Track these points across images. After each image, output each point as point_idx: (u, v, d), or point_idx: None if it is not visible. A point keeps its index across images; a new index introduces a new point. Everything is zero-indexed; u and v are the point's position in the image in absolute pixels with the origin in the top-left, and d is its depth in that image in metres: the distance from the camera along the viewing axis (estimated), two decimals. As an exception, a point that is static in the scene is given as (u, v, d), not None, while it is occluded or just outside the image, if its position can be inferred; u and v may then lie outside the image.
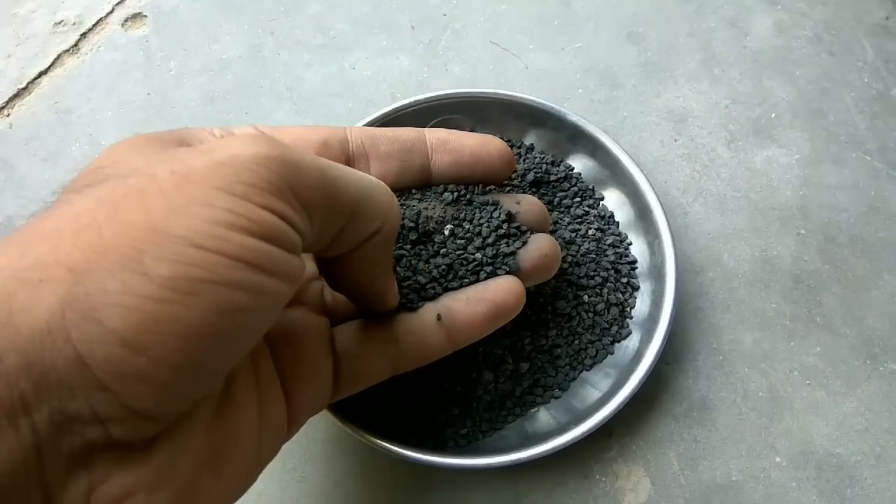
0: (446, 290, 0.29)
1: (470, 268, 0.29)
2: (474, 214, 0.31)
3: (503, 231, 0.30)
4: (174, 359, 0.17)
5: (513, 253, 0.30)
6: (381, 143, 0.30)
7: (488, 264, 0.29)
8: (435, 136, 0.31)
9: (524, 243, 0.30)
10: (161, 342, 0.17)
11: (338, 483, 0.36)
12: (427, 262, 0.29)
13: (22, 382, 0.15)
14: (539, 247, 0.30)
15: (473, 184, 0.32)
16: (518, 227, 0.31)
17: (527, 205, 0.32)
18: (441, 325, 0.28)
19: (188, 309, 0.17)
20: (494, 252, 0.29)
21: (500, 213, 0.30)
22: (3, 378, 0.15)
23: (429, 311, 0.28)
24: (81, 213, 0.18)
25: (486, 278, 0.29)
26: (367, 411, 0.33)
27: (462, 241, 0.30)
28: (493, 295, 0.28)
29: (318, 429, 0.37)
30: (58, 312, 0.16)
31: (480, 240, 0.30)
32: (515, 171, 0.39)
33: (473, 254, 0.29)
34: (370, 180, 0.23)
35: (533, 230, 0.31)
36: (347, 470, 0.36)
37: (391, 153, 0.31)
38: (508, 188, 0.38)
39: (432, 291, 0.29)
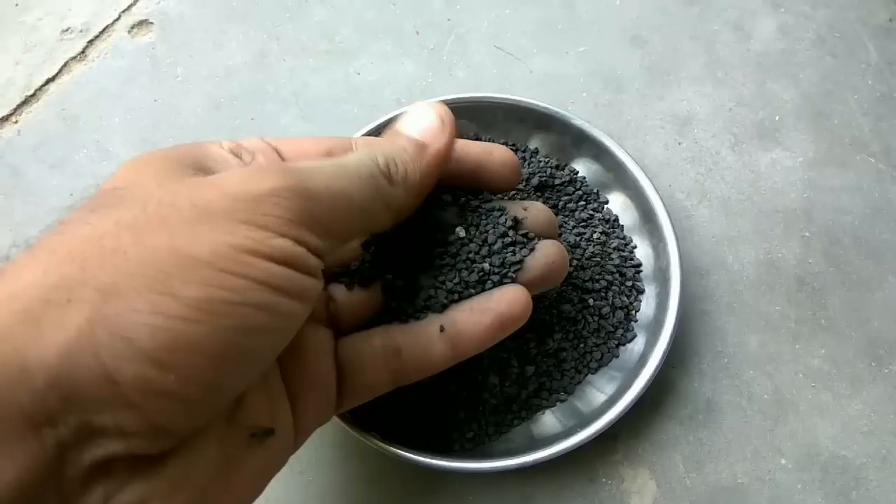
0: (452, 301, 0.28)
1: (477, 278, 0.29)
2: (480, 220, 0.30)
3: (509, 238, 0.30)
4: (200, 376, 0.18)
5: (520, 261, 0.29)
6: None
7: (495, 273, 0.29)
8: None
9: (531, 251, 0.30)
10: (189, 360, 0.17)
11: (345, 487, 0.36)
12: (435, 273, 0.29)
13: (50, 397, 0.16)
14: (546, 254, 0.30)
15: (479, 192, 0.32)
16: (525, 235, 0.30)
17: (534, 210, 0.32)
18: (444, 337, 0.28)
19: (214, 329, 0.18)
20: (501, 260, 0.29)
21: (506, 220, 0.30)
22: (32, 393, 0.16)
23: (432, 322, 0.28)
24: (104, 237, 0.18)
25: (492, 287, 0.29)
26: (373, 415, 0.33)
27: (470, 250, 0.29)
28: (498, 305, 0.28)
29: (326, 433, 0.37)
30: (87, 331, 0.16)
31: (487, 247, 0.29)
32: (522, 181, 0.39)
33: (481, 263, 0.29)
34: (370, 175, 0.24)
35: (540, 236, 0.31)
36: (354, 474, 0.36)
37: None
38: (514, 193, 0.38)
39: (438, 303, 0.28)
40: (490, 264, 0.29)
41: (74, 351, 0.16)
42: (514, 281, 0.29)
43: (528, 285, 0.29)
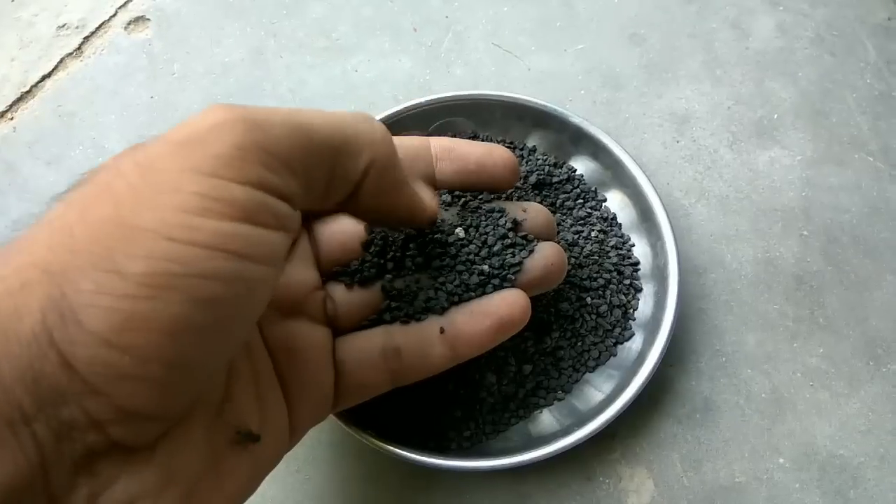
0: (453, 303, 0.28)
1: (477, 280, 0.29)
2: (480, 221, 0.30)
3: (509, 240, 0.30)
4: (160, 355, 0.17)
5: (519, 263, 0.29)
6: None
7: (495, 276, 0.29)
8: (440, 144, 0.31)
9: (530, 252, 0.30)
10: (143, 340, 0.16)
11: (341, 485, 0.36)
12: (435, 274, 0.29)
13: (18, 391, 0.15)
14: (545, 255, 0.30)
15: (478, 191, 0.32)
16: (524, 236, 0.30)
17: (533, 212, 0.32)
18: (444, 339, 0.28)
19: (166, 304, 0.16)
20: (501, 262, 0.29)
21: (506, 221, 0.30)
22: (3, 391, 0.15)
23: (432, 323, 0.28)
24: (54, 217, 0.18)
25: (492, 291, 0.29)
26: (370, 414, 0.33)
27: (470, 252, 0.29)
28: (498, 309, 0.28)
29: (323, 431, 0.37)
30: (39, 318, 0.16)
31: (487, 249, 0.29)
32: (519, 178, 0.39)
33: (480, 265, 0.29)
34: (346, 113, 0.22)
35: (539, 238, 0.31)
36: (351, 472, 0.36)
37: None
38: (512, 192, 0.38)
39: (439, 305, 0.28)
40: (490, 266, 0.29)
41: (31, 339, 0.15)
42: (513, 283, 0.29)
43: (526, 287, 0.29)
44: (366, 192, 0.22)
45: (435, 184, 0.31)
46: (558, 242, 0.37)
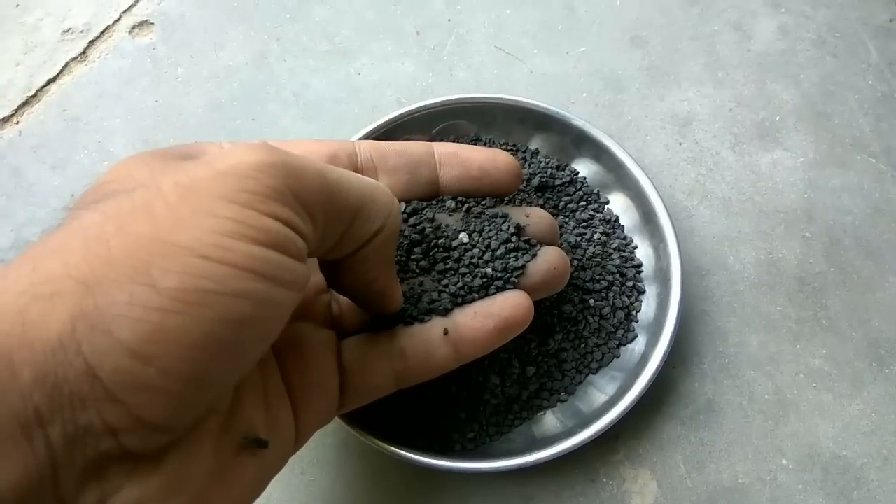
0: (456, 305, 0.29)
1: (480, 283, 0.29)
2: (484, 226, 0.31)
3: (512, 244, 0.30)
4: (182, 369, 0.17)
5: (522, 267, 0.30)
6: (389, 157, 0.30)
7: (498, 279, 0.29)
8: (443, 150, 0.31)
9: (534, 256, 0.30)
10: (169, 353, 0.17)
11: (346, 487, 0.36)
12: (439, 277, 0.29)
13: (36, 396, 0.16)
14: (548, 259, 0.30)
15: (481, 197, 0.32)
16: (528, 241, 0.31)
17: (536, 217, 0.32)
18: (448, 340, 0.28)
19: (195, 320, 0.17)
20: (504, 265, 0.29)
21: (509, 226, 0.30)
22: (18, 391, 0.15)
23: (436, 324, 0.28)
24: (89, 227, 0.18)
25: (495, 293, 0.29)
26: (375, 416, 0.33)
27: (474, 255, 0.30)
28: (501, 310, 0.28)
29: (327, 433, 0.37)
30: (69, 325, 0.16)
31: (490, 253, 0.30)
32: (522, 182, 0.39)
33: (484, 268, 0.29)
34: (370, 181, 0.23)
35: (542, 242, 0.31)
36: (356, 474, 0.36)
37: (400, 166, 0.31)
38: (515, 195, 0.38)
39: (442, 307, 0.28)
40: (493, 269, 0.29)
41: (57, 347, 0.16)
42: (516, 286, 0.29)
43: (529, 290, 0.29)
44: (364, 257, 0.24)
45: (439, 189, 0.32)
46: (561, 246, 0.37)
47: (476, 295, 0.29)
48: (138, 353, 0.16)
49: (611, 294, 0.38)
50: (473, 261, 0.30)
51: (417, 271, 0.29)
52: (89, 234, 0.18)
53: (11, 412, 0.15)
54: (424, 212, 0.31)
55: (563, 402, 0.36)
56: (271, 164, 0.19)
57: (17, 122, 0.47)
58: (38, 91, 0.49)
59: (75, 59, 0.50)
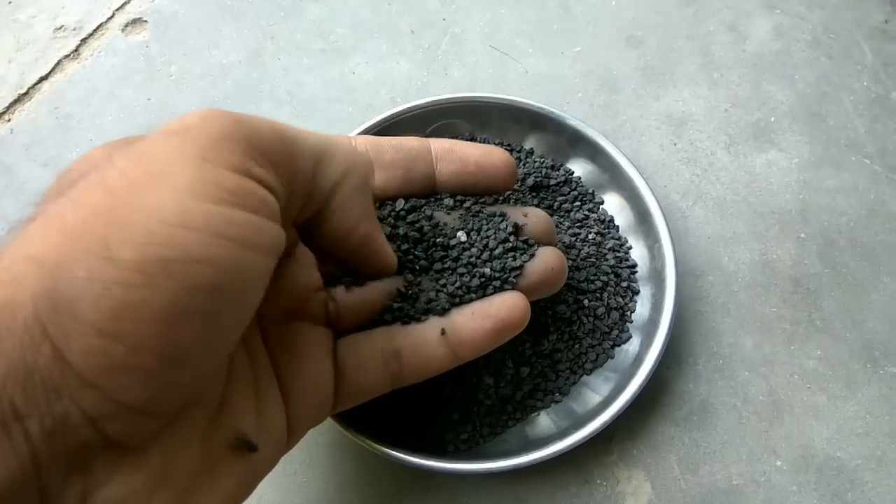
0: (453, 305, 0.28)
1: (478, 282, 0.29)
2: (482, 225, 0.31)
3: (510, 244, 0.30)
4: (153, 345, 0.16)
5: (520, 267, 0.29)
6: (385, 152, 0.30)
7: (496, 279, 0.29)
8: (439, 146, 0.31)
9: (531, 256, 0.30)
10: (137, 329, 0.16)
11: (339, 488, 0.36)
12: (437, 276, 0.29)
13: (10, 387, 0.15)
14: (546, 260, 0.30)
15: (477, 194, 0.32)
16: (525, 241, 0.30)
17: (534, 217, 0.32)
18: (445, 340, 0.28)
19: (160, 291, 0.16)
20: (502, 265, 0.29)
21: (507, 225, 0.30)
22: None
23: (433, 325, 0.28)
24: (48, 209, 0.17)
25: (493, 293, 0.29)
26: (368, 416, 0.33)
27: (472, 255, 0.30)
28: (499, 311, 0.28)
29: (320, 433, 0.37)
30: (31, 308, 0.15)
31: (488, 252, 0.30)
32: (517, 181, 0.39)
33: (482, 267, 0.29)
34: (325, 134, 0.23)
35: (540, 243, 0.31)
36: (348, 475, 0.36)
37: (396, 162, 0.30)
38: (510, 194, 0.38)
39: (440, 307, 0.28)
40: (491, 269, 0.29)
41: (24, 332, 0.15)
42: (514, 286, 0.29)
43: (527, 291, 0.29)
44: (337, 204, 0.23)
45: (435, 185, 0.31)
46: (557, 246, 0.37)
47: (474, 295, 0.29)
48: (104, 330, 0.16)
49: (605, 294, 0.38)
50: (471, 260, 0.29)
51: (415, 270, 0.29)
52: (46, 216, 0.17)
53: None
54: (423, 209, 0.31)
55: (557, 402, 0.36)
56: (219, 114, 0.18)
57: (9, 120, 0.47)
58: (29, 89, 0.48)
59: (68, 56, 0.50)
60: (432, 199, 0.32)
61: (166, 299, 0.16)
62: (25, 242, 0.16)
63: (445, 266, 0.29)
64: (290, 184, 0.20)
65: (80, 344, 0.16)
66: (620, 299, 0.38)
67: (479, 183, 0.32)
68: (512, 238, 0.30)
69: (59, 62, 0.49)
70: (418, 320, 0.28)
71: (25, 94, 0.48)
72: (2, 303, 0.15)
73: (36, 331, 0.15)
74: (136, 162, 0.17)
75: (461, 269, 0.29)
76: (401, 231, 0.29)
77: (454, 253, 0.30)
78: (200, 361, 0.18)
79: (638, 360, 0.35)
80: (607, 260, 0.39)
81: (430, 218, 0.30)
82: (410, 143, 0.31)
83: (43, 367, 0.15)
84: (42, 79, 0.49)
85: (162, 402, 0.18)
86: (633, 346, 0.37)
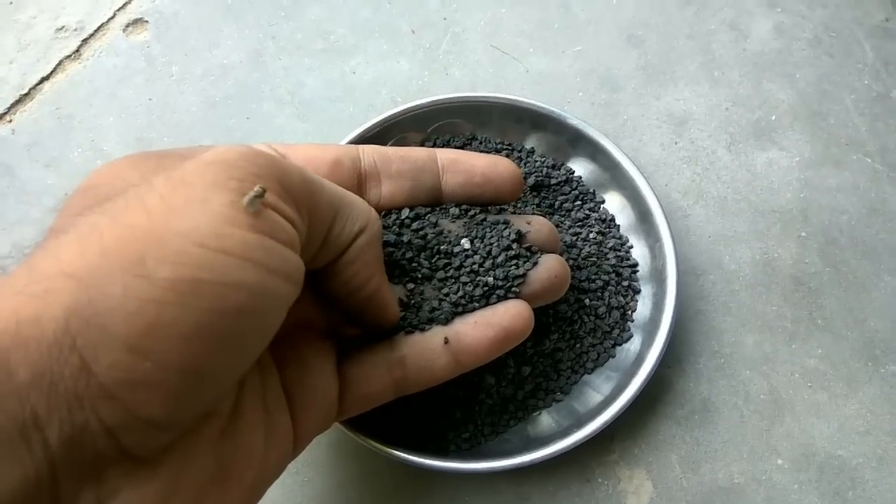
0: (457, 314, 0.29)
1: (482, 291, 0.29)
2: (485, 232, 0.31)
3: (513, 251, 0.30)
4: (178, 363, 0.17)
5: (523, 275, 0.29)
6: (392, 163, 0.30)
7: (500, 287, 0.29)
8: (446, 157, 0.31)
9: (534, 264, 0.30)
10: (165, 346, 0.16)
11: (341, 487, 0.36)
12: (440, 285, 0.29)
13: (33, 396, 0.15)
14: (549, 267, 0.30)
15: (483, 204, 0.32)
16: (528, 248, 0.30)
17: (537, 225, 0.32)
18: (448, 349, 0.28)
19: (191, 311, 0.17)
20: (505, 274, 0.29)
21: (510, 233, 0.30)
22: (15, 393, 0.15)
23: (436, 333, 0.28)
24: (81, 224, 0.18)
25: (496, 301, 0.29)
26: (370, 416, 0.33)
27: (475, 262, 0.30)
28: (502, 319, 0.28)
29: (322, 433, 0.37)
30: (62, 322, 0.16)
31: (491, 260, 0.30)
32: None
33: (485, 276, 0.29)
34: (340, 188, 0.24)
35: (543, 250, 0.31)
36: (350, 474, 0.36)
37: (403, 172, 0.30)
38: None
39: (443, 316, 0.28)
40: (494, 278, 0.29)
41: (53, 344, 0.16)
42: (517, 294, 0.29)
43: (530, 298, 0.29)
44: (350, 259, 0.24)
45: (441, 196, 0.32)
46: (560, 253, 0.37)
47: (477, 304, 0.29)
48: (134, 347, 0.16)
49: (606, 294, 0.38)
50: (474, 268, 0.29)
51: (419, 279, 0.29)
52: (82, 231, 0.17)
53: (9, 416, 0.15)
54: (427, 217, 0.31)
55: (558, 401, 0.36)
56: (256, 154, 0.20)
57: (10, 121, 0.47)
58: (31, 89, 0.48)
59: (69, 57, 0.50)
60: (437, 208, 0.32)
61: (196, 319, 0.17)
62: (59, 257, 0.17)
63: (448, 275, 0.30)
64: (310, 231, 0.22)
65: (109, 358, 0.16)
66: (622, 298, 0.38)
67: (485, 194, 0.32)
68: (515, 246, 0.30)
69: (60, 62, 0.49)
70: (422, 329, 0.28)
71: (27, 94, 0.48)
72: (31, 315, 0.16)
73: (65, 343, 0.16)
74: (175, 187, 0.18)
75: (464, 278, 0.29)
76: (405, 238, 0.29)
77: (457, 261, 0.30)
78: (220, 379, 0.19)
79: (639, 359, 0.36)
80: (608, 259, 0.39)
81: (435, 225, 0.30)
82: (417, 153, 0.31)
83: (68, 377, 0.16)
84: (43, 79, 0.49)
85: (179, 417, 0.18)
86: (634, 345, 0.37)
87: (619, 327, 0.38)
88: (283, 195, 0.20)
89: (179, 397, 0.18)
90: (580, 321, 0.37)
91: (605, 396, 0.35)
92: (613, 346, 0.37)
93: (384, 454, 0.32)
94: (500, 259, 0.30)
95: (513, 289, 0.29)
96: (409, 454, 0.32)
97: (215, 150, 0.19)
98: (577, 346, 0.37)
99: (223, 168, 0.19)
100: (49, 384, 0.16)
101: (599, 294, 0.37)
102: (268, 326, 0.20)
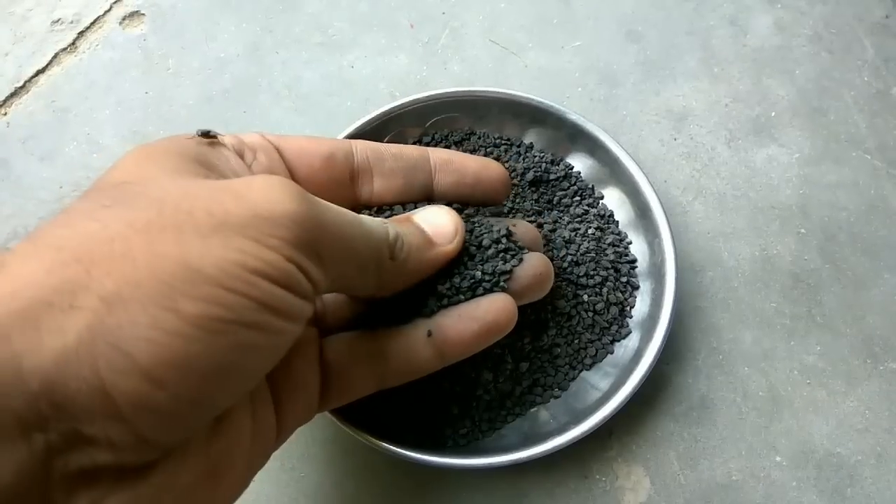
0: (441, 307, 0.28)
1: (468, 284, 0.29)
2: (474, 227, 0.31)
3: (502, 245, 0.30)
4: (190, 394, 0.18)
5: (510, 271, 0.29)
6: (386, 160, 0.31)
7: (486, 281, 0.29)
8: (438, 156, 0.32)
9: (521, 261, 0.30)
10: (182, 379, 0.17)
11: (336, 483, 0.36)
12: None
13: (42, 403, 0.16)
14: (534, 265, 0.30)
15: (473, 205, 0.33)
16: (516, 243, 0.30)
17: (522, 227, 0.32)
18: (431, 342, 0.28)
19: (211, 347, 0.18)
20: (492, 269, 0.29)
21: (500, 229, 0.30)
22: (26, 396, 0.15)
23: (419, 326, 0.28)
24: (115, 240, 0.18)
25: (482, 294, 0.29)
26: (366, 411, 0.33)
27: (462, 256, 0.29)
28: (486, 313, 0.28)
29: (317, 428, 0.37)
30: (87, 340, 0.16)
31: (480, 253, 0.29)
32: (516, 176, 0.39)
33: (472, 270, 0.29)
34: (379, 237, 0.25)
35: (529, 249, 0.31)
36: (346, 470, 0.36)
37: (396, 170, 0.31)
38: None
39: (427, 309, 0.28)
40: (482, 272, 0.29)
41: (72, 359, 0.16)
42: (504, 290, 0.29)
43: (515, 295, 0.29)
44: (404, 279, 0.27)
45: (433, 195, 0.32)
46: (555, 243, 0.37)
47: (462, 297, 0.29)
48: (153, 376, 0.17)
49: (605, 290, 0.37)
50: (463, 261, 0.29)
51: None
52: (115, 248, 0.18)
53: (15, 415, 0.15)
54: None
55: (556, 398, 0.36)
56: (303, 214, 0.21)
57: (5, 114, 0.47)
58: (26, 82, 0.48)
59: (64, 49, 0.49)
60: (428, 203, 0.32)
61: (215, 355, 0.18)
62: (88, 269, 0.17)
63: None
64: (333, 281, 0.23)
65: (128, 384, 0.17)
66: (620, 294, 0.38)
67: (476, 194, 0.33)
68: (504, 240, 0.30)
69: (56, 55, 0.49)
70: (405, 322, 0.28)
71: (22, 87, 0.48)
72: (53, 326, 0.16)
73: (85, 360, 0.16)
74: (216, 227, 0.19)
75: (452, 271, 0.29)
76: None
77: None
78: (225, 404, 0.20)
79: (637, 356, 0.35)
80: (607, 255, 0.39)
81: None
82: (410, 152, 0.31)
83: (85, 394, 0.16)
84: (39, 72, 0.48)
85: (177, 438, 0.19)
86: (632, 341, 0.37)
87: (617, 323, 0.37)
88: (314, 258, 0.21)
89: (184, 423, 0.19)
90: (578, 317, 0.37)
91: (603, 393, 0.35)
92: (612, 342, 0.37)
93: (381, 450, 0.32)
94: (489, 252, 0.29)
95: (500, 284, 0.29)
96: (406, 450, 0.32)
97: (264, 196, 0.20)
98: (575, 342, 0.36)
99: (269, 225, 0.20)
100: (62, 396, 0.16)
101: (598, 290, 0.37)
102: (273, 359, 0.21)
